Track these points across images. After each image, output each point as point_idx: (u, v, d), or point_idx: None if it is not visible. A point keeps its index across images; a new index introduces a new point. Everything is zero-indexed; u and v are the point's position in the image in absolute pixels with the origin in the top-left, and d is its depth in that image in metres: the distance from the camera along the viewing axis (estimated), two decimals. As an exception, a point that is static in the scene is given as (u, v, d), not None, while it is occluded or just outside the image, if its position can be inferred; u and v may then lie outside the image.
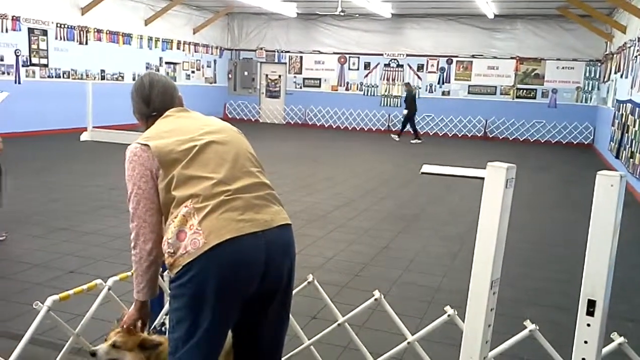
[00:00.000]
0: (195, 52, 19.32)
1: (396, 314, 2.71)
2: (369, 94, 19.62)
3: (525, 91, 18.13)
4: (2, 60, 12.75)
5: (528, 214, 7.36)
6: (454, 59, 18.61)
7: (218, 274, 1.90)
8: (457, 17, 17.99)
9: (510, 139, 18.19)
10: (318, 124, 20.05)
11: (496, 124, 18.40)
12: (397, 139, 16.51)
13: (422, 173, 10.58)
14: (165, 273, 2.64)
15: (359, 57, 19.54)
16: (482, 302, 1.81)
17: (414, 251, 5.59)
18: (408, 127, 16.62)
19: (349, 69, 19.75)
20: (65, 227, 5.79)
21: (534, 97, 18.07)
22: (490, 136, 18.44)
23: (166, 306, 2.67)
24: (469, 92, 18.65)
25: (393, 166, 11.55)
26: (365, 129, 19.58)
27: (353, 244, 5.76)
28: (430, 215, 7.29)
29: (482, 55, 18.30)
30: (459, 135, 18.68)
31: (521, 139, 18.08)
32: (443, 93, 18.90)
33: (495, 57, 18.18)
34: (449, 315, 2.47)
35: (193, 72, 19.37)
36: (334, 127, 19.87)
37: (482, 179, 1.79)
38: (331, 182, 9.33)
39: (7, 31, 12.77)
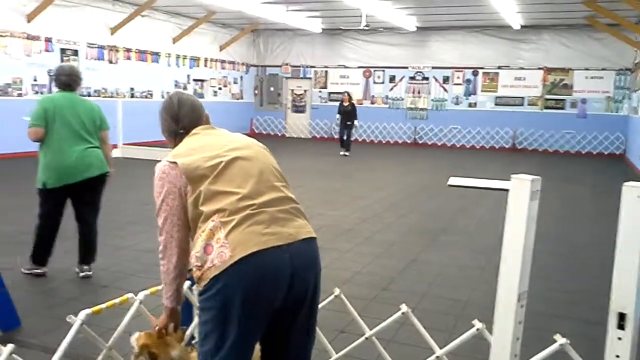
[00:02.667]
0: (222, 68, 19.61)
1: (424, 328, 2.70)
2: (394, 107, 19.61)
3: (553, 101, 17.92)
4: (35, 80, 13.14)
5: (557, 225, 7.24)
6: (480, 71, 18.52)
7: (244, 287, 1.93)
8: (482, 29, 17.92)
9: (540, 150, 17.96)
10: (344, 138, 20.07)
11: (524, 135, 18.20)
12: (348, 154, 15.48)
13: (450, 185, 10.51)
14: (194, 287, 2.69)
15: (384, 71, 19.58)
16: (510, 316, 1.80)
17: (442, 264, 5.54)
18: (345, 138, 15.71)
19: (374, 82, 19.80)
20: (98, 242, 5.89)
21: (563, 108, 17.84)
22: (519, 147, 18.24)
23: (195, 319, 2.71)
24: (495, 104, 18.51)
25: (419, 179, 11.50)
26: (391, 142, 19.56)
27: (379, 257, 5.74)
28: (458, 227, 7.23)
29: (508, 66, 18.17)
30: (487, 147, 18.52)
31: (550, 150, 17.84)
32: (469, 105, 18.80)
33: (522, 68, 18.03)
34: (477, 329, 2.45)
35: (220, 88, 19.65)
36: (360, 140, 19.87)
37: (508, 190, 1.79)
38: (356, 195, 9.33)
39: (40, 52, 13.17)
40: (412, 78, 19.32)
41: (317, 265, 2.14)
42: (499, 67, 18.29)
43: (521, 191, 1.73)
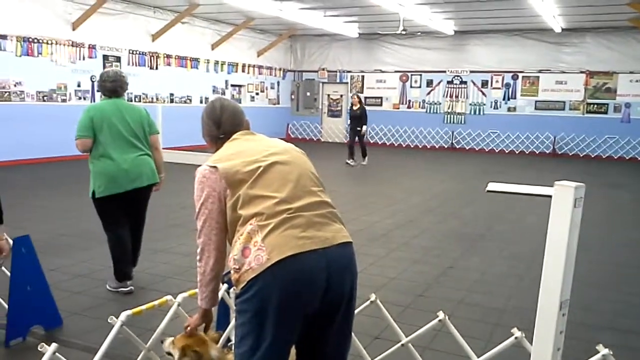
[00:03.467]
0: (260, 74, 19.80)
1: (461, 335, 2.67)
2: (431, 111, 19.45)
3: (596, 106, 17.47)
4: (79, 86, 13.53)
5: (601, 233, 7.05)
6: (520, 75, 18.20)
7: (280, 290, 1.95)
8: (522, 32, 17.62)
9: (581, 155, 17.53)
10: (379, 142, 20.03)
11: (565, 140, 17.79)
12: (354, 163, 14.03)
13: (488, 191, 10.35)
14: (232, 290, 2.72)
15: (421, 75, 19.45)
16: (551, 324, 1.76)
17: (479, 271, 5.46)
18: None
19: (411, 86, 19.68)
20: (137, 244, 6.02)
21: (606, 112, 17.37)
22: (560, 153, 17.84)
23: (232, 322, 2.73)
24: (536, 108, 18.15)
25: (456, 184, 11.36)
26: (428, 147, 19.39)
27: (416, 263, 5.69)
28: (496, 234, 7.11)
29: (549, 70, 17.81)
30: (526, 152, 18.18)
31: (592, 155, 17.39)
32: (509, 109, 18.49)
33: (563, 72, 17.64)
34: (516, 338, 2.40)
35: (257, 93, 19.85)
36: (396, 145, 19.79)
37: (550, 197, 1.75)
38: (392, 200, 9.27)
39: (84, 59, 13.55)
40: (450, 82, 19.13)
41: (353, 270, 2.14)
42: (540, 71, 17.94)
43: (564, 198, 1.69)
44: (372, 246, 6.24)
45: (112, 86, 4.56)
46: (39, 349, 2.26)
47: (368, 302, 2.84)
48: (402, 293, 4.75)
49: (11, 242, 3.31)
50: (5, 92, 11.97)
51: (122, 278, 4.55)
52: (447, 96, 19.23)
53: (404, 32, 16.25)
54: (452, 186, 11.10)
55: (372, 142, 20.07)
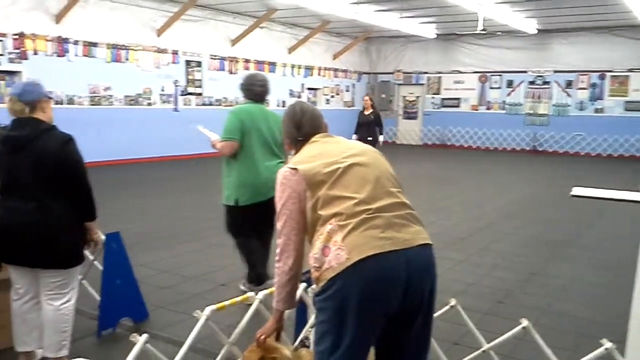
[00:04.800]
0: (335, 77, 19.91)
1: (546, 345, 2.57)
2: (512, 112, 18.83)
3: (693, 106, 16.31)
4: (163, 90, 14.13)
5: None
6: (608, 74, 17.28)
7: (360, 289, 1.96)
8: (611, 30, 16.71)
9: (676, 159, 16.43)
10: (457, 145, 19.62)
11: (658, 142, 16.73)
12: None
13: (573, 196, 9.90)
14: (310, 288, 2.76)
15: (501, 75, 18.88)
16: (647, 336, 1.67)
17: (564, 279, 5.23)
18: None
19: (490, 87, 19.15)
20: (218, 243, 6.21)
21: None
22: (652, 156, 16.80)
23: (310, 320, 2.77)
24: (625, 109, 17.16)
25: (539, 188, 10.94)
26: (508, 149, 18.79)
27: (496, 269, 5.53)
28: (582, 240, 6.79)
29: (640, 68, 16.81)
30: (615, 155, 17.22)
31: (689, 159, 16.26)
32: (596, 110, 17.59)
33: (656, 70, 16.60)
34: (606, 349, 2.29)
35: (332, 96, 19.96)
36: (474, 147, 19.31)
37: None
38: (471, 203, 9.06)
39: (167, 64, 14.14)
40: (532, 82, 18.45)
41: (433, 272, 2.12)
42: (630, 70, 16.94)
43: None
44: (449, 250, 6.12)
45: (262, 90, 4.43)
46: (130, 339, 2.39)
47: (448, 306, 2.80)
48: (481, 299, 4.63)
49: (103, 237, 3.50)
50: (96, 96, 12.69)
51: (260, 281, 4.43)
52: (528, 97, 18.56)
53: (483, 32, 15.84)
54: (535, 190, 10.70)
55: (449, 144, 19.72)
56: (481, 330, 3.19)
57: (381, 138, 11.60)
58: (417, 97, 20.64)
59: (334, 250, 2.00)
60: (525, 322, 2.57)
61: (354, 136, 11.12)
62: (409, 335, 2.12)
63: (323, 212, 2.07)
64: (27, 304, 3.15)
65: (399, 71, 20.69)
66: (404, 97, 20.93)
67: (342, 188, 2.09)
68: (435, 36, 18.56)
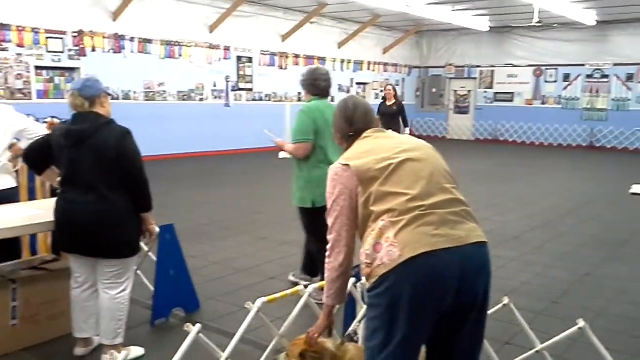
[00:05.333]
0: (385, 71, 19.75)
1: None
2: (568, 107, 18.23)
3: None
4: (214, 86, 14.36)
5: None
6: (672, 67, 16.49)
7: (412, 287, 1.94)
8: (676, 19, 15.95)
9: None
10: (510, 140, 19.15)
11: None
12: None
13: (633, 194, 9.51)
14: (359, 284, 2.75)
15: (556, 69, 18.28)
16: None
17: (623, 280, 5.03)
18: None
19: (545, 81, 18.58)
20: (266, 236, 6.29)
21: None
22: None
23: (359, 315, 2.76)
24: (691, 103, 16.35)
25: (597, 185, 10.55)
26: (564, 145, 18.20)
27: (550, 268, 5.37)
28: (642, 241, 6.52)
29: None
30: (678, 152, 16.46)
31: None
32: (658, 105, 16.83)
33: None
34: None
35: (382, 91, 19.79)
36: (528, 143, 18.79)
37: None
38: (525, 201, 8.83)
39: (219, 60, 14.36)
40: (590, 76, 17.79)
41: (487, 271, 2.08)
42: (697, 62, 16.14)
43: None
44: (503, 248, 5.99)
45: (326, 85, 4.30)
46: (184, 328, 2.44)
47: (500, 305, 2.74)
48: (535, 299, 4.52)
49: (157, 229, 3.59)
50: (151, 92, 13.03)
51: (310, 273, 4.53)
52: (586, 91, 17.91)
53: (538, 25, 15.38)
54: (592, 187, 10.33)
55: (501, 139, 19.27)
56: (534, 330, 3.11)
57: (406, 131, 10.70)
58: (469, 91, 20.25)
59: (386, 247, 1.98)
60: (581, 323, 2.49)
61: None
62: (462, 334, 2.08)
63: (375, 208, 2.05)
64: (85, 293, 3.28)
65: (450, 65, 20.34)
66: (456, 91, 20.57)
67: (394, 184, 2.07)
68: (489, 29, 18.12)
